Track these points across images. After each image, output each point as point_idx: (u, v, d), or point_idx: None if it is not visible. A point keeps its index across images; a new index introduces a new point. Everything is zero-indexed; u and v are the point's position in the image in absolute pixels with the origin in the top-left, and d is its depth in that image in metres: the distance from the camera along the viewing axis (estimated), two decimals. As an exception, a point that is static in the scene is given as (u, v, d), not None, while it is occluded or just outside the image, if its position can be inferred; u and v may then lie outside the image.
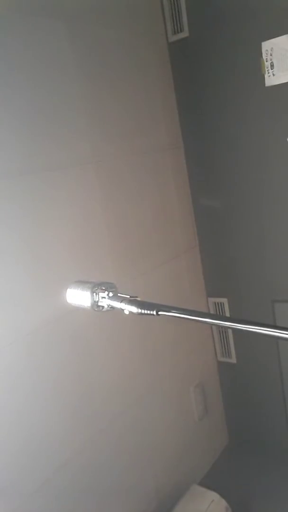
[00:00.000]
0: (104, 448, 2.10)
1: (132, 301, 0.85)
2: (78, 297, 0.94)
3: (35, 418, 1.77)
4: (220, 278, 2.82)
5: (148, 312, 0.81)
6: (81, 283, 0.95)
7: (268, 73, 2.26)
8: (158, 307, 0.81)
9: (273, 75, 2.25)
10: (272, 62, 2.23)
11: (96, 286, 0.93)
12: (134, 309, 0.83)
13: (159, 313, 0.80)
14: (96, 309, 0.93)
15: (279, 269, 2.55)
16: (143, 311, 0.82)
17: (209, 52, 2.45)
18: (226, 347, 2.90)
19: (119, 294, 0.91)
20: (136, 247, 2.31)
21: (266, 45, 2.23)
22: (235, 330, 2.47)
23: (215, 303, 2.86)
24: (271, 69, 2.24)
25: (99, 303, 0.92)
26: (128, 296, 0.88)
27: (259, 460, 2.80)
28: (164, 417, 2.50)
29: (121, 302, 0.87)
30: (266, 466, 2.73)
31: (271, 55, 2.23)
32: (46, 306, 1.77)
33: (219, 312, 2.85)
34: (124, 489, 2.21)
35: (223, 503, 2.37)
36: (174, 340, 2.56)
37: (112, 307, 0.90)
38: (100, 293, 0.92)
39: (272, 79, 2.26)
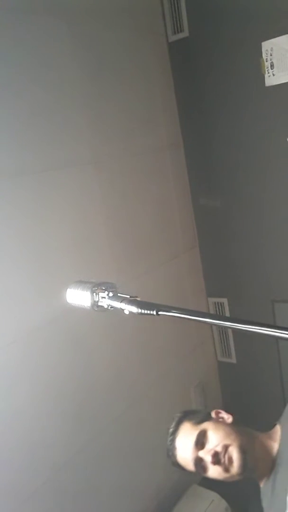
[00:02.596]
0: (104, 448, 2.10)
1: (132, 301, 0.85)
2: (78, 297, 0.94)
3: (35, 418, 1.77)
4: (220, 278, 2.82)
5: (148, 312, 0.81)
6: (81, 283, 0.95)
7: (268, 73, 2.26)
8: (158, 307, 0.81)
9: (273, 75, 2.25)
10: (272, 62, 2.23)
11: (96, 286, 0.92)
12: (134, 309, 0.83)
13: (159, 313, 0.80)
14: (96, 309, 0.93)
15: (279, 269, 2.55)
16: (143, 311, 0.82)
17: (209, 52, 2.45)
18: (226, 347, 2.90)
19: (119, 294, 0.90)
20: (136, 247, 2.31)
21: (266, 45, 2.23)
22: (235, 330, 2.47)
23: (215, 303, 2.86)
24: (271, 69, 2.24)
25: (99, 303, 0.92)
26: (128, 296, 0.88)
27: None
28: (164, 417, 2.49)
29: (121, 302, 0.87)
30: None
31: (271, 55, 2.23)
32: (46, 306, 1.77)
33: (219, 312, 2.85)
34: (124, 489, 2.21)
35: (223, 503, 2.37)
36: (174, 340, 2.56)
37: (112, 307, 0.89)
38: (100, 293, 0.92)
39: (272, 79, 2.26)
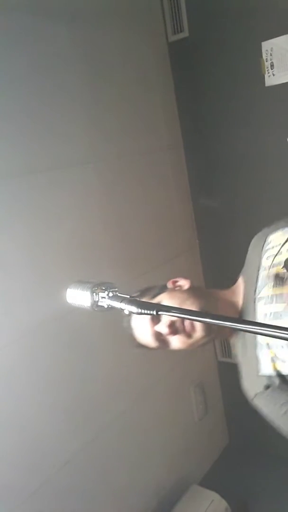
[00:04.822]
0: (104, 448, 2.10)
1: (132, 301, 0.85)
2: (78, 297, 0.94)
3: (35, 418, 1.77)
4: (220, 279, 2.82)
5: (148, 312, 0.81)
6: (81, 283, 0.95)
7: (268, 73, 2.26)
8: (158, 307, 0.81)
9: (273, 75, 2.25)
10: (272, 62, 2.23)
11: (96, 286, 0.92)
12: (134, 309, 0.83)
13: (159, 313, 0.80)
14: (96, 309, 0.93)
15: (279, 269, 2.55)
16: (143, 311, 0.82)
17: (209, 52, 2.45)
18: (226, 347, 2.90)
19: (119, 294, 0.90)
20: (135, 247, 2.31)
21: (266, 45, 2.23)
22: (235, 330, 2.46)
23: (215, 303, 2.85)
24: (271, 69, 2.24)
25: (99, 303, 0.92)
26: (128, 296, 0.88)
27: (259, 460, 2.79)
28: (164, 417, 2.50)
29: (121, 302, 0.87)
30: (266, 466, 2.73)
31: (271, 55, 2.23)
32: (46, 306, 1.77)
33: (219, 312, 2.85)
34: (124, 489, 2.21)
35: (223, 503, 2.37)
36: (174, 340, 2.56)
37: (112, 307, 0.89)
38: (100, 293, 0.92)
39: (272, 79, 2.26)
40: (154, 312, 0.80)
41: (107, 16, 2.14)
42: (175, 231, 2.62)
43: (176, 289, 1.12)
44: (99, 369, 2.08)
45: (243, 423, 3.02)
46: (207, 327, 1.01)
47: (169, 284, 1.14)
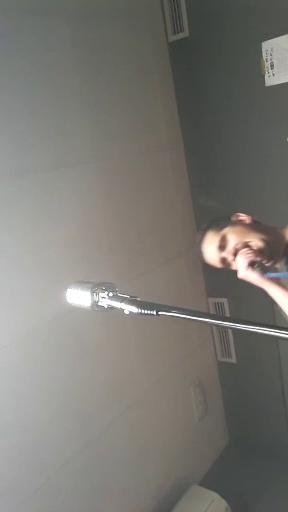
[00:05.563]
0: (104, 448, 2.10)
1: (132, 301, 0.85)
2: (78, 297, 0.94)
3: (35, 418, 1.77)
4: (220, 278, 2.81)
5: (148, 312, 0.81)
6: (81, 283, 0.95)
7: (268, 73, 2.26)
8: (158, 307, 0.81)
9: (273, 75, 2.25)
10: (272, 62, 2.23)
11: (96, 286, 0.92)
12: (134, 309, 0.83)
13: (159, 313, 0.80)
14: (96, 309, 0.93)
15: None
16: (143, 311, 0.82)
17: (209, 52, 2.45)
18: (226, 347, 2.90)
19: (119, 294, 0.90)
20: (136, 247, 2.31)
21: (266, 45, 2.23)
22: (235, 330, 2.46)
23: (215, 303, 2.85)
24: (271, 69, 2.24)
25: (99, 303, 0.92)
26: (128, 296, 0.88)
27: (259, 460, 2.79)
28: (164, 417, 2.49)
29: (121, 302, 0.87)
30: (266, 466, 2.73)
31: (271, 55, 2.23)
32: (46, 306, 1.77)
33: (219, 312, 2.85)
34: (124, 489, 2.21)
35: (223, 503, 2.37)
36: (174, 340, 2.56)
37: (112, 307, 0.90)
38: (100, 293, 0.92)
39: (272, 79, 2.26)
40: (154, 312, 0.80)
41: (107, 16, 2.14)
42: (175, 231, 2.62)
43: (239, 222, 1.28)
44: (99, 370, 2.08)
45: (243, 423, 3.02)
46: (267, 251, 1.17)
47: (234, 218, 1.29)
